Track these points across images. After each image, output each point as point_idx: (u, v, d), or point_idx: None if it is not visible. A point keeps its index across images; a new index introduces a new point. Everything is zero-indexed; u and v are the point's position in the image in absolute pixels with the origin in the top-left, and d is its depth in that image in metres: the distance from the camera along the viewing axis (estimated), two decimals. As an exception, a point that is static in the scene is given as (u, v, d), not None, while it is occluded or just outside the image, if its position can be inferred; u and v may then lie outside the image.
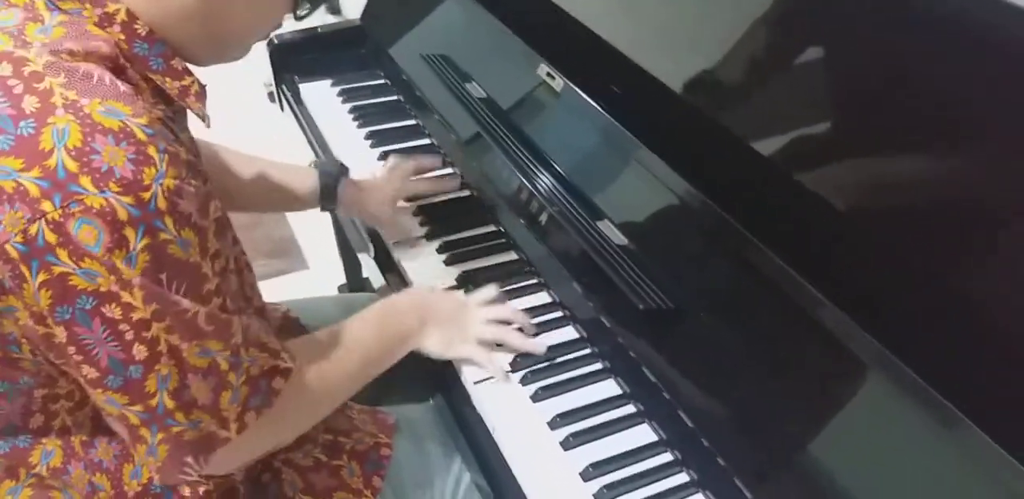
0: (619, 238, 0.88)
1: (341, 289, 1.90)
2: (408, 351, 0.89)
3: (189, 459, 0.65)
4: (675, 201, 0.86)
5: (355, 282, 1.84)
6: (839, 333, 0.69)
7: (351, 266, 1.81)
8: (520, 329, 0.92)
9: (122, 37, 0.61)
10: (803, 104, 0.80)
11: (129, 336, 0.58)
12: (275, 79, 1.47)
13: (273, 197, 1.08)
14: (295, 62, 1.43)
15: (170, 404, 0.62)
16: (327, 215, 1.73)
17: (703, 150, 0.86)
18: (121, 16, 0.61)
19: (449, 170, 1.19)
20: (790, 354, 0.75)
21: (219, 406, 0.65)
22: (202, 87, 0.69)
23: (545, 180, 0.96)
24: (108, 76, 0.57)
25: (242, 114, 2.04)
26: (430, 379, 0.97)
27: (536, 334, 0.93)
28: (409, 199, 1.14)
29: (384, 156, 1.23)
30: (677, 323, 0.82)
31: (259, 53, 0.76)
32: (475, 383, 0.89)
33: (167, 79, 0.65)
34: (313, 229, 2.07)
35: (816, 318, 0.71)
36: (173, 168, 0.57)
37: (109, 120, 0.54)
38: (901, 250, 0.71)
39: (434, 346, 0.90)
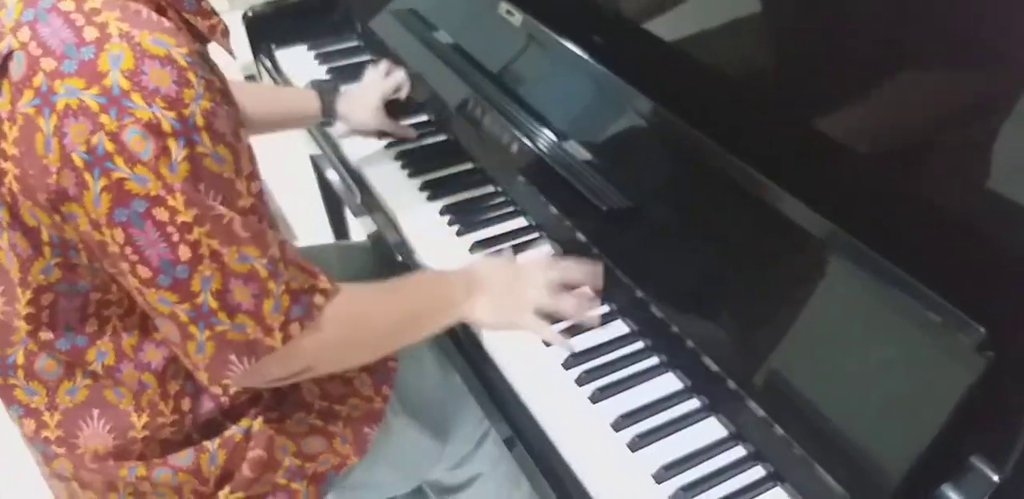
0: (582, 154, 0.97)
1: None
2: (454, 320, 0.91)
3: (233, 357, 0.70)
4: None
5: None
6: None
7: (338, 226, 1.90)
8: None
9: None
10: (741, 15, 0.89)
11: (175, 238, 0.65)
12: (252, 49, 1.54)
13: (288, 119, 1.23)
14: (270, 30, 1.51)
15: (214, 304, 0.68)
16: (313, 188, 1.82)
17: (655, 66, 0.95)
18: None
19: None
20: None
21: (262, 313, 0.70)
22: (226, 26, 0.78)
23: (516, 112, 1.04)
24: (155, 14, 0.67)
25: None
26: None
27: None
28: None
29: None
30: (642, 228, 0.92)
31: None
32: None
33: (199, 18, 0.74)
34: (298, 203, 2.15)
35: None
36: (209, 92, 0.66)
37: (157, 48, 0.63)
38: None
39: (485, 316, 0.90)
